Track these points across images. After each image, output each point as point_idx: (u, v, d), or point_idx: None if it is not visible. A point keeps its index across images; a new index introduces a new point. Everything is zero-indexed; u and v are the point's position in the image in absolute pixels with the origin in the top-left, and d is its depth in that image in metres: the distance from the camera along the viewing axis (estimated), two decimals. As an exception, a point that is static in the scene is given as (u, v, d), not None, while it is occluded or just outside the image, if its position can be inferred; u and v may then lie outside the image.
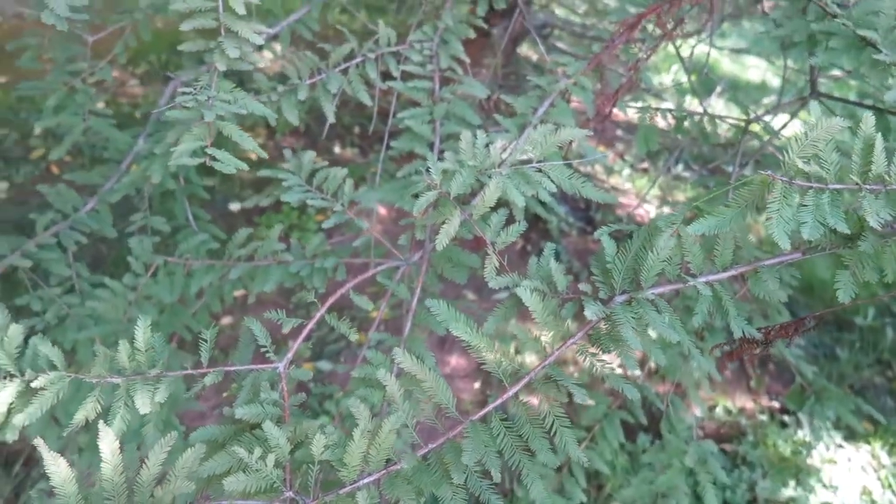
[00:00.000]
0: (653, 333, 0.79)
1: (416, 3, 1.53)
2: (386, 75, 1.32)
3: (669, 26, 1.25)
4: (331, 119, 1.27)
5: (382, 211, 3.30)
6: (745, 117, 1.55)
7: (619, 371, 0.80)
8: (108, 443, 0.68)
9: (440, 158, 1.23)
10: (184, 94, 0.89)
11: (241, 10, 0.87)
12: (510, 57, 3.75)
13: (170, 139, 1.23)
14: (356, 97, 1.28)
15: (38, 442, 0.68)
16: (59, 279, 1.35)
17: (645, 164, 4.64)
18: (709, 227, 0.74)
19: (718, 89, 4.59)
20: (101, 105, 1.68)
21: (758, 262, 0.79)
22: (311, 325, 0.87)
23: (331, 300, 0.90)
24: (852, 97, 3.72)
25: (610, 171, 4.30)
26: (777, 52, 4.16)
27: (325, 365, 2.22)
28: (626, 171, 4.34)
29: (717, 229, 0.75)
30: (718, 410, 2.66)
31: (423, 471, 0.73)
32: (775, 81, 6.93)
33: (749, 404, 2.73)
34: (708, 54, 2.16)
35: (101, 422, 0.68)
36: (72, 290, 1.36)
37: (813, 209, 0.69)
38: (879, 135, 0.70)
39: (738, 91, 5.81)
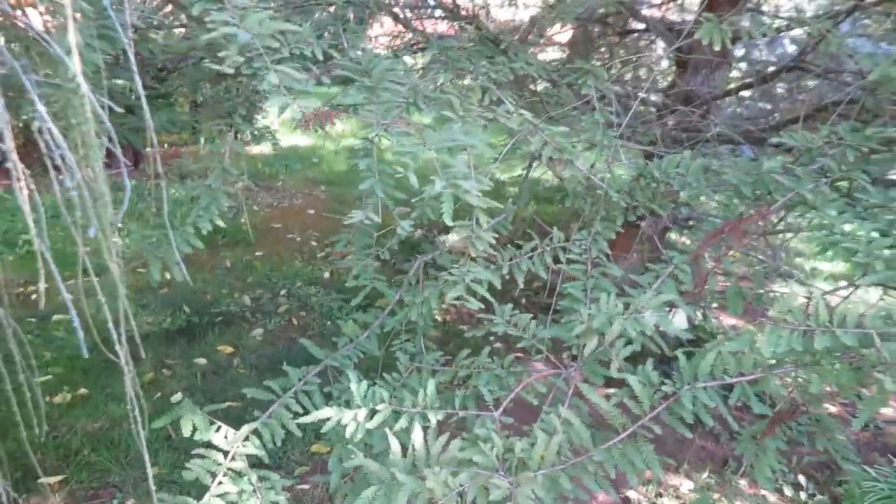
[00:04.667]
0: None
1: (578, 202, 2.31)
2: (556, 260, 2.09)
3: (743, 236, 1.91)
4: (521, 285, 2.04)
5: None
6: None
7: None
8: (418, 434, 1.41)
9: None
10: (453, 269, 1.71)
11: (486, 226, 1.69)
12: (660, 242, 4.43)
13: (426, 293, 2.06)
14: (537, 274, 2.06)
15: (388, 432, 1.42)
16: (348, 378, 2.17)
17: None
18: (734, 346, 1.37)
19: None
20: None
21: (767, 370, 1.39)
22: (517, 391, 1.57)
23: (524, 384, 1.60)
24: None
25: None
26: None
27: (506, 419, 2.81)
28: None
29: (738, 348, 1.37)
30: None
31: (570, 471, 1.37)
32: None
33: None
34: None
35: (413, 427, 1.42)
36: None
37: (787, 338, 1.31)
38: (822, 301, 1.31)
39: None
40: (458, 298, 1.69)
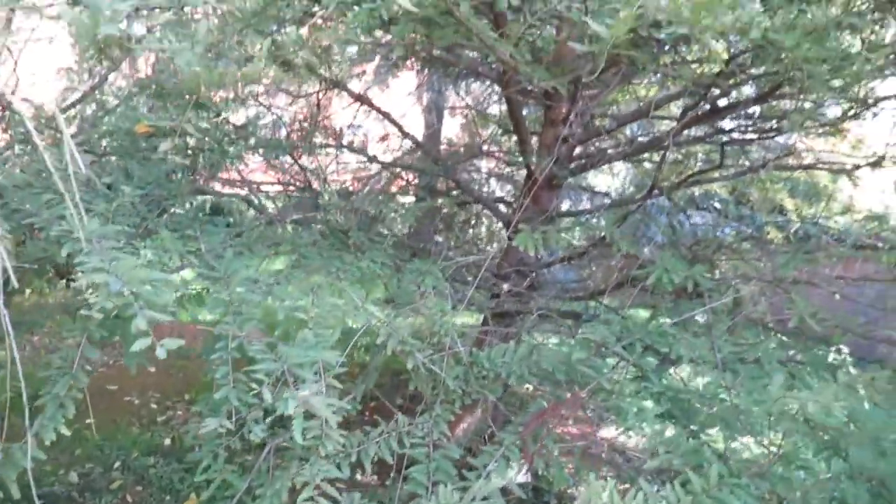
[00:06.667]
0: None
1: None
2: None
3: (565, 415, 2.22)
4: (368, 470, 2.17)
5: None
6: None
7: None
8: None
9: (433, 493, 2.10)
10: (303, 468, 1.82)
11: (334, 425, 1.84)
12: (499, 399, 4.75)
13: (277, 486, 2.12)
14: (382, 456, 2.21)
15: None
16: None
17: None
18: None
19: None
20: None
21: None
22: None
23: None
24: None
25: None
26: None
27: None
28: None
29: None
30: None
31: None
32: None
33: None
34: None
35: None
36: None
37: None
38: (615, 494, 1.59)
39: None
40: (308, 499, 1.80)
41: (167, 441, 5.12)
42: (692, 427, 2.08)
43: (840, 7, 1.86)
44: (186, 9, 2.19)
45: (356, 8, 1.68)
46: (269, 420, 1.89)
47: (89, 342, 1.87)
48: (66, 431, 1.82)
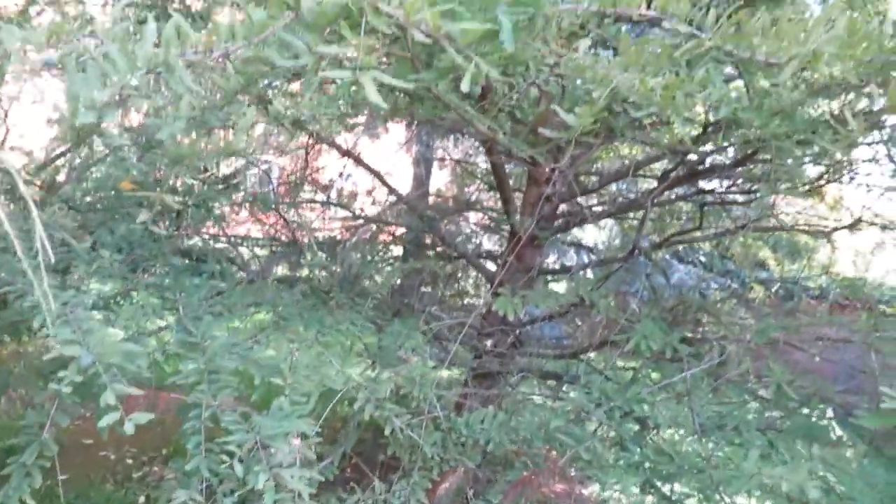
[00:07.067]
0: None
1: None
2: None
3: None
4: (344, 541, 2.12)
5: None
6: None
7: None
8: None
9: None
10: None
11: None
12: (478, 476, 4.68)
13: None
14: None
15: None
16: None
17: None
18: None
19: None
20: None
21: None
22: None
23: None
24: None
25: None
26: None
27: None
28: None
29: None
30: None
31: None
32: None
33: None
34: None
35: None
36: None
37: None
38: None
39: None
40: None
41: (141, 499, 4.98)
42: (672, 497, 2.06)
43: (807, 86, 1.92)
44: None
45: (338, 81, 1.72)
46: (242, 490, 1.85)
47: (61, 409, 1.84)
48: (31, 503, 1.77)
